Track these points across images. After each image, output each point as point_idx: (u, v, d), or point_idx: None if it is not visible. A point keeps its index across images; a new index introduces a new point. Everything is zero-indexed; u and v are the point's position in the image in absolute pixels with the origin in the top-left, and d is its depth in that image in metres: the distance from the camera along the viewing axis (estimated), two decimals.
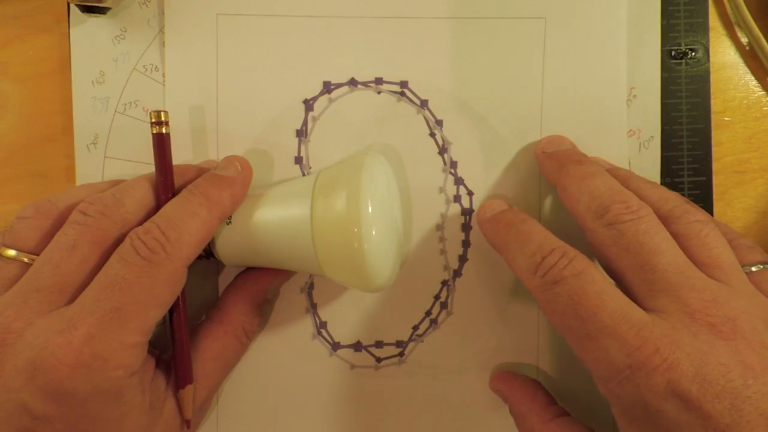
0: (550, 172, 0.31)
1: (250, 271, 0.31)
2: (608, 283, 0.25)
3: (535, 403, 0.30)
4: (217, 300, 0.31)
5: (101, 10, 0.32)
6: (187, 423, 0.28)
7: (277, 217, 0.28)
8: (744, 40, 0.34)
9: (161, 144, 0.28)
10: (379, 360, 0.33)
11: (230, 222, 0.29)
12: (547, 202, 0.33)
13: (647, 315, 0.24)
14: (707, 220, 0.27)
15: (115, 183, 0.29)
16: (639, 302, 0.25)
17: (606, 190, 0.27)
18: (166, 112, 0.28)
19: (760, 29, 0.33)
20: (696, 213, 0.27)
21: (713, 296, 0.24)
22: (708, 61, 0.34)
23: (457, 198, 0.33)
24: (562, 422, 0.29)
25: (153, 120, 0.28)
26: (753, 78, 0.34)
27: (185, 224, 0.26)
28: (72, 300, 0.25)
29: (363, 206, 0.26)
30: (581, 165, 0.29)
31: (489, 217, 0.30)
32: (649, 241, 0.25)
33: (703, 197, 0.33)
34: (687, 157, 0.34)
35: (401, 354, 0.33)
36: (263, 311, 0.32)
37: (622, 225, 0.26)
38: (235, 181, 0.28)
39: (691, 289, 0.24)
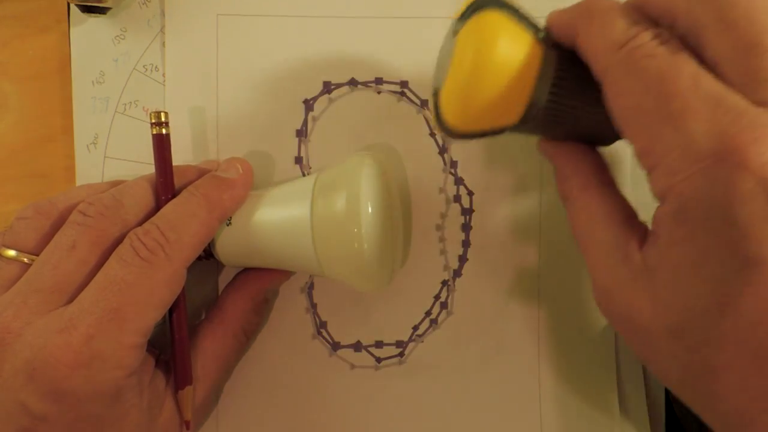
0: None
1: (249, 271, 0.31)
2: (705, 71, 0.20)
3: (583, 164, 0.26)
4: (216, 300, 0.31)
5: (101, 10, 0.32)
6: (186, 424, 0.28)
7: (276, 218, 0.28)
8: None
9: (161, 144, 0.28)
10: (379, 360, 0.33)
11: (230, 223, 0.29)
12: (547, 203, 0.33)
13: (751, 105, 0.19)
14: None
15: (116, 183, 0.29)
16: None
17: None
18: (166, 112, 0.28)
19: None
20: None
21: None
22: None
23: (457, 198, 0.33)
24: (604, 192, 0.24)
25: (153, 120, 0.28)
26: None
27: (185, 225, 0.26)
28: (71, 300, 0.25)
29: (363, 207, 0.26)
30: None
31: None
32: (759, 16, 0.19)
33: None
34: None
35: (401, 354, 0.33)
36: (262, 311, 0.32)
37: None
38: (235, 183, 0.28)
39: None
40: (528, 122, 0.24)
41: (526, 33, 0.23)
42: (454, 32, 0.24)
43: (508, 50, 0.22)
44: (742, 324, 0.18)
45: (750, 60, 0.19)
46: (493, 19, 0.23)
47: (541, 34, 0.23)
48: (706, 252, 0.19)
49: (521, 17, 0.23)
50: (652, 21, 0.22)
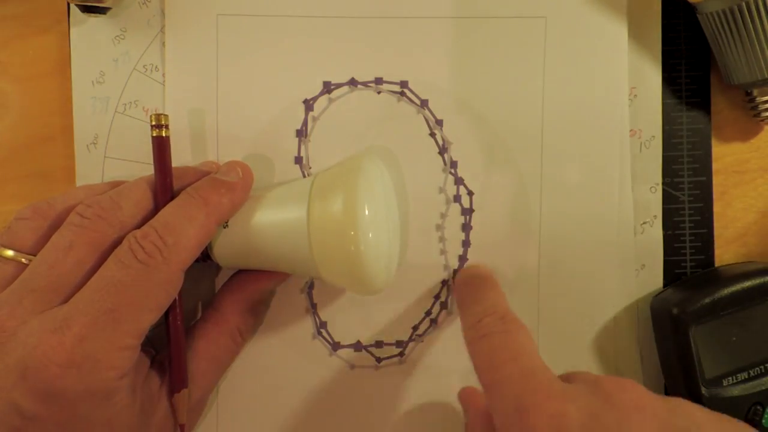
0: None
1: (246, 272, 0.31)
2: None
3: (489, 418, 0.27)
4: (212, 300, 0.31)
5: (101, 10, 0.32)
6: (181, 427, 0.28)
7: (274, 220, 0.28)
8: None
9: (161, 147, 0.28)
10: (379, 360, 0.33)
11: (227, 225, 0.29)
12: (548, 202, 0.33)
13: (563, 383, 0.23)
14: None
15: (114, 185, 0.29)
16: None
17: None
18: (166, 115, 0.28)
19: None
20: None
21: None
22: (708, 60, 0.33)
23: (457, 198, 0.33)
24: None
25: (153, 123, 0.28)
26: None
27: (183, 229, 0.26)
28: (66, 301, 0.25)
29: (360, 209, 0.26)
30: None
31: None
32: None
33: (703, 197, 0.33)
34: (687, 157, 0.34)
35: (401, 354, 0.33)
36: (258, 312, 0.32)
37: None
38: (235, 187, 0.28)
39: None
40: None
41: None
42: None
43: None
44: None
45: None
46: None
47: None
48: None
49: None
50: None
